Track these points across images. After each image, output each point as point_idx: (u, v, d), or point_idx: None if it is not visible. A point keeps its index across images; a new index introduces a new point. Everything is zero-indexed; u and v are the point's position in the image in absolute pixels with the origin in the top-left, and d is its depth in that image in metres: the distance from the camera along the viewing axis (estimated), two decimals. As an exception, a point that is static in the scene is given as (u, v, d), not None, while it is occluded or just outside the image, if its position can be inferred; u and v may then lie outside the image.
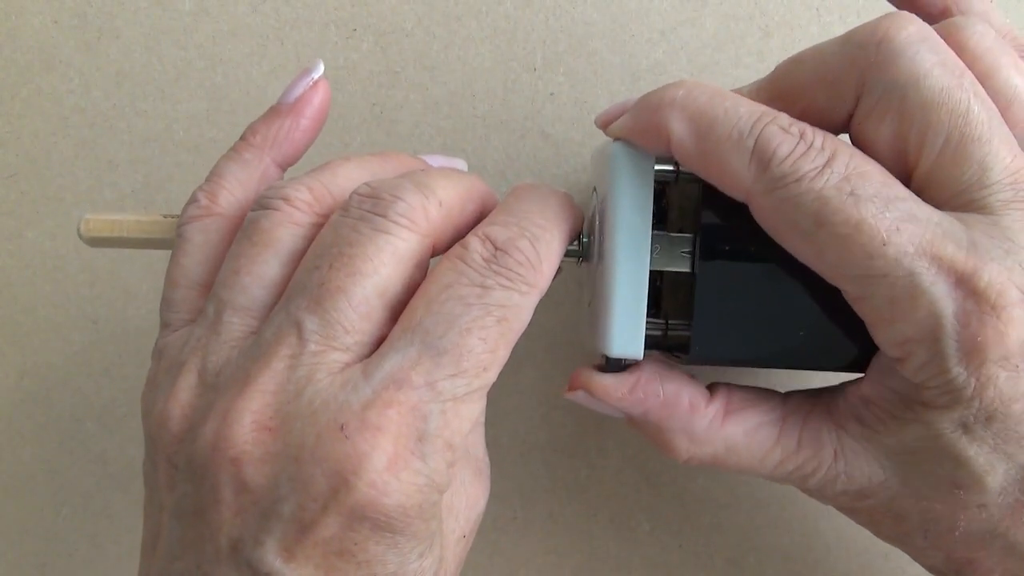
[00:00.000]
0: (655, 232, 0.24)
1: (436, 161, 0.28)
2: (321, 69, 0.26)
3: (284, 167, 0.26)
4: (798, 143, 0.21)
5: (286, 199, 0.23)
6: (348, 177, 0.24)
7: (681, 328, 0.25)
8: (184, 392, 0.21)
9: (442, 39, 0.34)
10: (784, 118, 0.22)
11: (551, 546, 0.34)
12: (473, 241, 0.22)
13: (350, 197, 0.22)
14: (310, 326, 0.20)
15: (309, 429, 0.20)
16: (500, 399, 0.34)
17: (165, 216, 0.26)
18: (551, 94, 0.34)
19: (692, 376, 0.25)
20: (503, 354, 0.21)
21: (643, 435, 0.26)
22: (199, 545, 0.20)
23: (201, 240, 0.24)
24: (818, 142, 0.21)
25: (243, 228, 0.23)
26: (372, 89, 0.34)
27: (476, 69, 0.34)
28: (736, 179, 0.22)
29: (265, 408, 0.20)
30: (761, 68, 0.33)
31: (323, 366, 0.20)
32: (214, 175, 0.25)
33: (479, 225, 0.23)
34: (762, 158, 0.21)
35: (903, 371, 0.22)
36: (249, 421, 0.20)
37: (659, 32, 0.33)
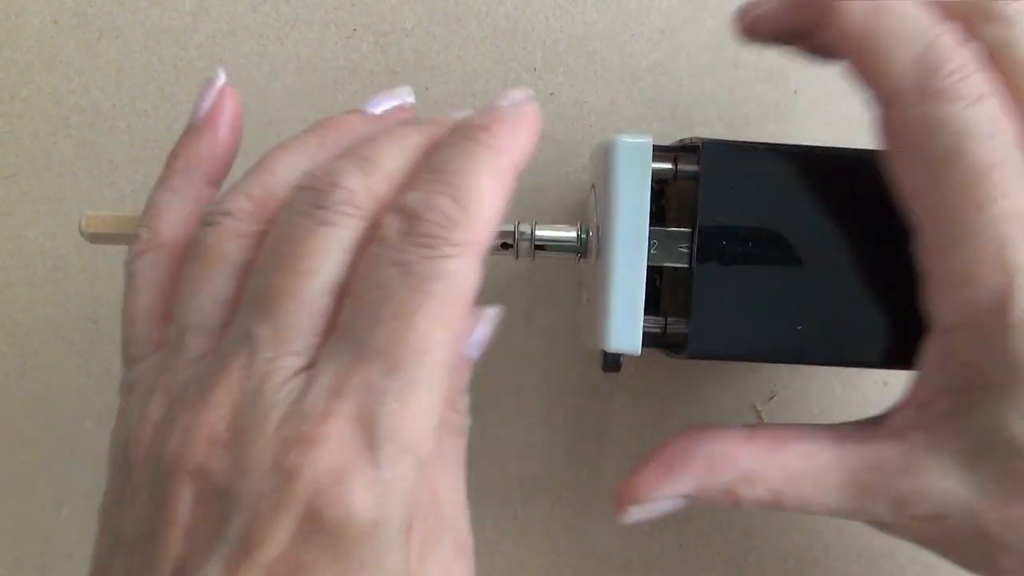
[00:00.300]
0: (653, 228, 0.24)
1: (378, 106, 0.26)
2: (223, 77, 0.25)
3: (216, 184, 0.25)
4: (966, 65, 0.20)
5: (227, 213, 0.22)
6: (287, 169, 0.23)
7: (679, 325, 0.25)
8: (153, 414, 0.21)
9: (442, 39, 0.34)
10: (960, 35, 0.21)
11: (551, 546, 0.34)
12: (387, 216, 0.20)
13: (291, 193, 0.21)
14: (261, 333, 0.20)
15: (259, 442, 0.19)
16: (500, 399, 0.34)
17: None
18: (551, 94, 0.34)
19: (723, 426, 0.25)
20: (444, 333, 0.20)
21: (713, 505, 0.25)
22: (144, 570, 0.19)
23: (150, 273, 0.23)
24: (979, 74, 0.21)
25: (191, 249, 0.22)
26: (372, 89, 0.34)
27: (476, 69, 0.34)
28: (890, 75, 0.21)
29: (219, 421, 0.19)
30: (761, 68, 0.33)
31: (275, 374, 0.20)
32: (150, 208, 0.24)
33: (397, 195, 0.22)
34: (928, 64, 0.20)
35: (960, 346, 0.21)
36: (205, 435, 0.19)
37: (659, 32, 0.33)
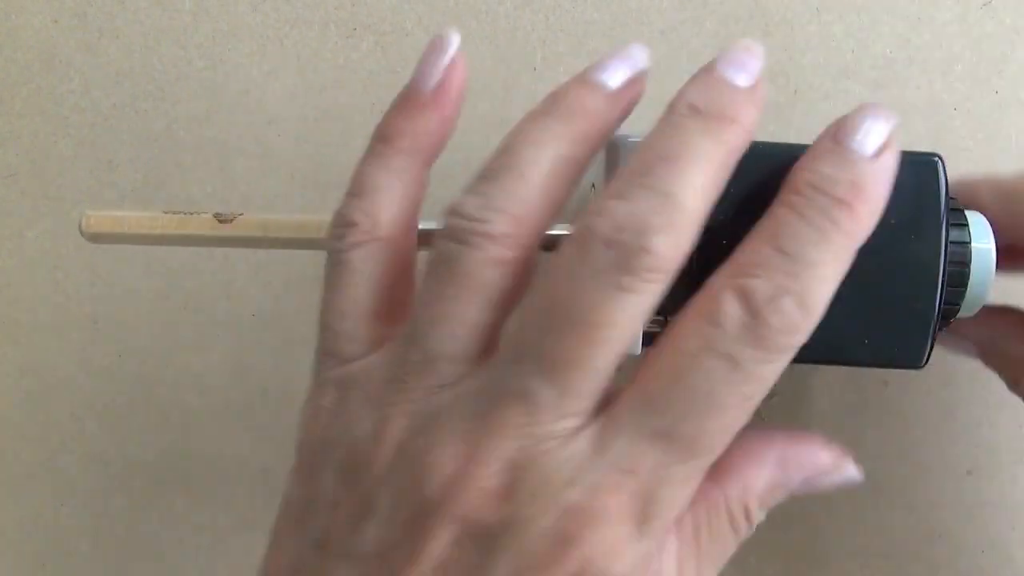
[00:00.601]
0: None
1: (614, 77, 0.22)
2: (456, 42, 0.22)
3: (429, 167, 0.23)
4: None
5: (488, 236, 0.20)
6: (540, 172, 0.20)
7: None
8: (394, 434, 0.20)
9: (442, 39, 0.34)
10: None
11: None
12: (726, 298, 0.19)
13: (587, 235, 0.19)
14: (544, 395, 0.19)
15: (534, 504, 0.19)
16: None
17: (167, 212, 0.26)
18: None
19: None
20: (734, 433, 0.19)
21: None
22: None
23: (367, 268, 0.22)
24: None
25: (440, 263, 0.20)
26: (372, 89, 0.34)
27: (476, 69, 0.34)
28: None
29: (495, 475, 0.19)
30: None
31: (554, 437, 0.19)
32: (367, 190, 0.22)
33: (733, 261, 0.19)
34: None
35: None
36: (478, 486, 0.19)
37: (659, 32, 0.33)
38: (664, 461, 0.19)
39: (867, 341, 0.23)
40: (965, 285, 0.25)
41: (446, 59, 0.22)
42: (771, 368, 0.19)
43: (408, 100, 0.22)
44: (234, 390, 0.36)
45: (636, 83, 0.22)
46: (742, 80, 0.20)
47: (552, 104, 0.21)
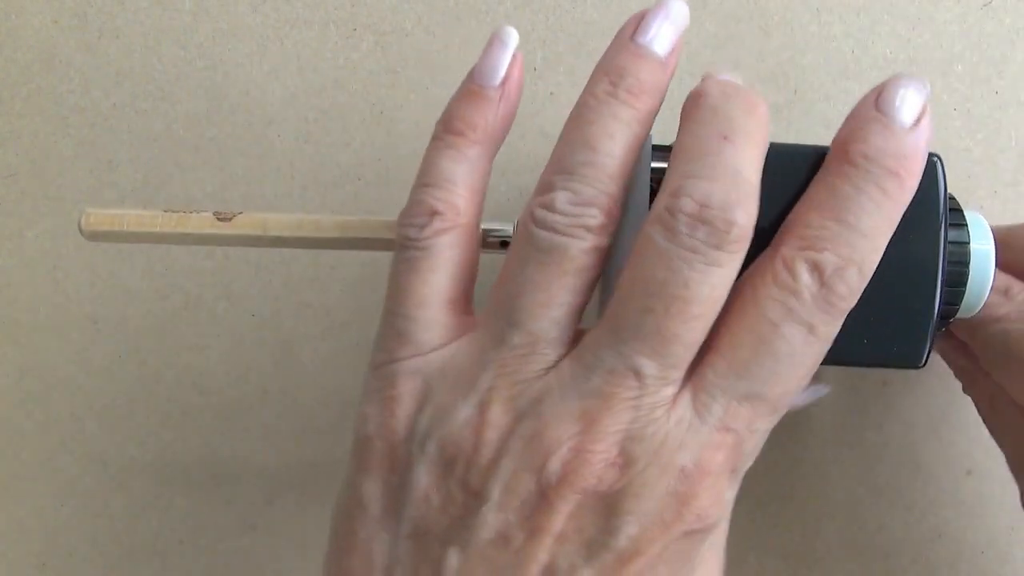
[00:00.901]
0: None
1: (664, 45, 0.23)
2: (515, 38, 0.23)
3: (494, 158, 0.24)
4: None
5: (587, 227, 0.21)
6: (616, 162, 0.21)
7: None
8: (497, 419, 0.21)
9: (442, 39, 0.34)
10: None
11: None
12: (801, 270, 0.20)
13: (673, 215, 0.20)
14: (649, 371, 0.20)
15: (652, 469, 0.21)
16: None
17: (166, 210, 0.26)
18: (551, 94, 0.34)
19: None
20: (808, 380, 0.22)
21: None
22: (497, 573, 0.21)
23: (451, 255, 0.23)
24: None
25: (538, 251, 0.21)
26: (372, 89, 0.34)
27: (476, 69, 0.34)
28: None
29: (612, 447, 0.21)
30: (761, 68, 0.33)
31: (660, 406, 0.21)
32: (444, 180, 0.23)
33: (798, 235, 0.21)
34: None
35: None
36: (600, 458, 0.20)
37: (659, 32, 0.33)
38: (753, 418, 0.21)
39: (866, 341, 0.23)
40: (964, 285, 0.25)
41: (509, 54, 0.23)
42: (835, 329, 0.21)
43: (477, 93, 0.23)
44: (234, 390, 0.36)
45: (680, 44, 0.23)
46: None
47: (615, 85, 0.22)
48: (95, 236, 0.25)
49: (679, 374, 0.21)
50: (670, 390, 0.21)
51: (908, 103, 0.21)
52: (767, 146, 0.22)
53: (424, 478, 0.21)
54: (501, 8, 0.34)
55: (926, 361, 0.24)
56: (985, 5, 0.33)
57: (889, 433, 0.34)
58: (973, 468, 0.34)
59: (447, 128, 0.23)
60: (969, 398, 0.30)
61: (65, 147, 0.35)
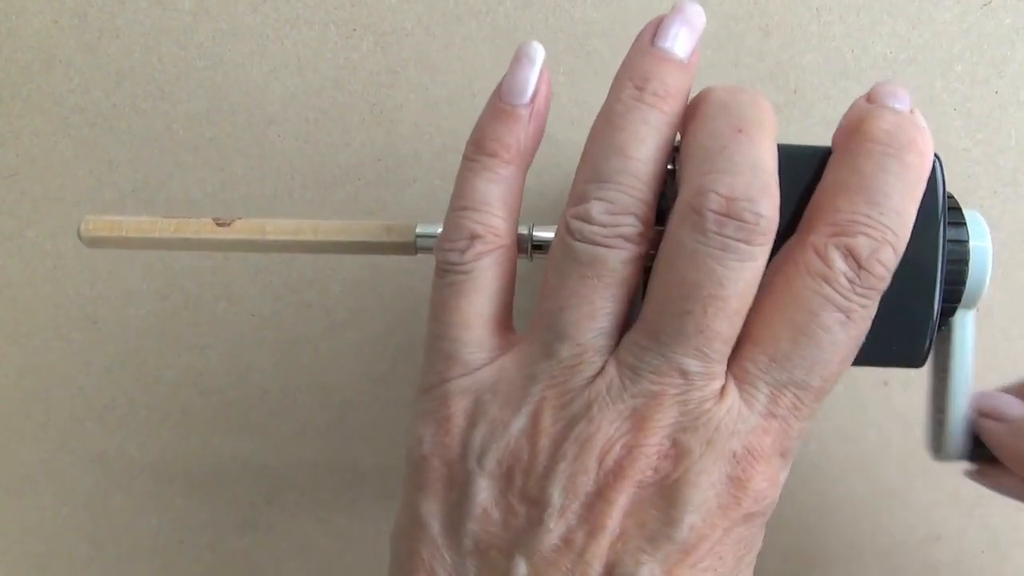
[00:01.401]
0: (657, 228, 0.24)
1: (685, 48, 0.23)
2: (542, 54, 0.23)
3: (526, 173, 0.24)
4: None
5: (625, 237, 0.21)
6: (648, 170, 0.22)
7: None
8: (549, 427, 0.21)
9: (442, 39, 0.34)
10: None
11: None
12: (836, 257, 0.21)
13: (700, 213, 0.20)
14: (693, 369, 0.21)
15: (707, 457, 0.21)
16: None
17: (165, 217, 0.26)
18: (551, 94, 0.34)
19: None
20: (849, 364, 0.22)
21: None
22: (562, 574, 0.21)
23: (491, 276, 0.23)
24: None
25: (579, 263, 0.21)
26: (372, 89, 0.34)
27: (476, 69, 0.34)
28: None
29: (664, 440, 0.21)
30: (761, 68, 0.33)
31: (708, 399, 0.21)
32: (483, 204, 0.23)
33: (829, 222, 0.21)
34: None
35: None
36: (654, 451, 0.21)
37: (659, 32, 0.33)
38: (798, 404, 0.21)
39: (867, 340, 0.23)
40: (963, 283, 0.25)
41: (537, 69, 0.23)
42: (872, 311, 0.21)
43: (507, 112, 0.23)
44: (234, 390, 0.36)
45: (698, 46, 0.23)
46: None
47: (641, 90, 0.22)
48: (94, 242, 0.26)
49: (722, 368, 0.21)
50: (716, 384, 0.21)
51: (899, 97, 0.22)
52: (776, 132, 0.22)
53: (483, 492, 0.22)
54: (501, 8, 0.34)
55: (926, 360, 0.24)
56: (985, 5, 0.33)
57: (889, 433, 0.34)
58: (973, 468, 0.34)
59: (480, 149, 0.23)
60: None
61: (65, 147, 0.35)
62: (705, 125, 0.21)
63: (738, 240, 0.20)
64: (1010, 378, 0.29)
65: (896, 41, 0.33)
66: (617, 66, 0.23)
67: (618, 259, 0.21)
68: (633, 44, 0.23)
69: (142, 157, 0.35)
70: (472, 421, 0.22)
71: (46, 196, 0.35)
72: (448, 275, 0.23)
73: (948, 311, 0.25)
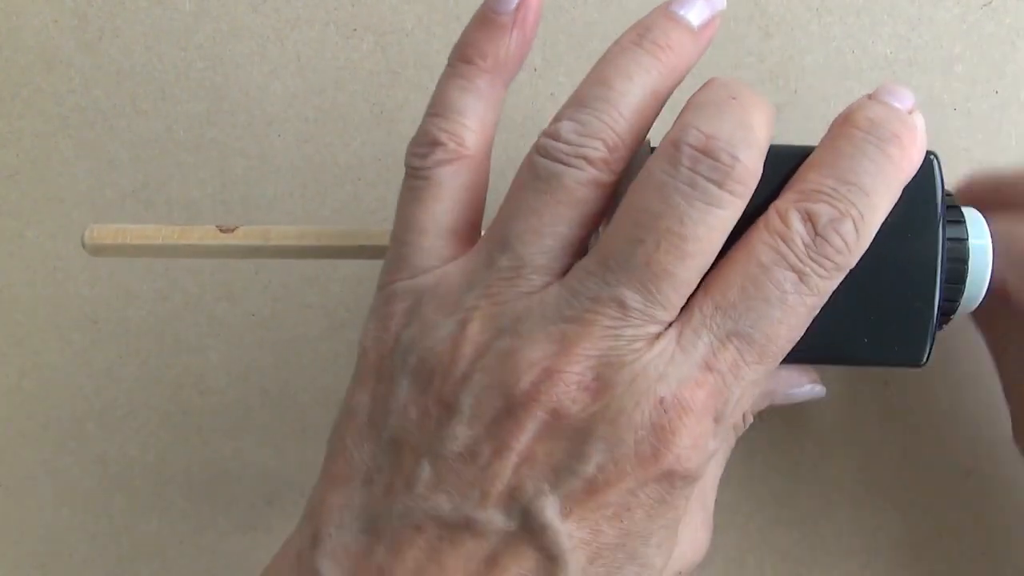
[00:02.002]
0: None
1: (698, 16, 0.23)
2: None
3: (508, 87, 0.24)
4: None
5: (587, 159, 0.21)
6: (630, 106, 0.21)
7: None
8: (475, 336, 0.21)
9: (442, 39, 0.34)
10: None
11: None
12: (794, 218, 0.21)
13: (677, 147, 0.20)
14: (633, 304, 0.20)
15: (628, 396, 0.20)
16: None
17: (168, 224, 0.26)
18: (551, 94, 0.34)
19: None
20: (792, 343, 0.21)
21: None
22: (462, 489, 0.21)
23: (452, 186, 0.23)
24: None
25: (536, 179, 0.21)
26: (372, 89, 0.34)
27: (476, 69, 0.34)
28: None
29: (587, 371, 0.20)
30: (761, 68, 0.33)
31: (642, 338, 0.20)
32: (452, 111, 0.23)
33: (796, 189, 0.21)
34: None
35: None
36: (574, 380, 0.20)
37: (659, 32, 0.33)
38: (739, 361, 0.21)
39: (867, 340, 0.23)
40: (963, 282, 0.25)
41: None
42: (829, 284, 0.21)
43: (490, 20, 0.23)
44: (234, 390, 0.36)
45: (714, 23, 0.23)
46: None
47: (641, 37, 0.22)
48: (99, 251, 0.26)
49: (667, 316, 0.21)
50: (654, 328, 0.21)
51: (901, 95, 0.22)
52: (772, 127, 0.22)
53: (404, 390, 0.22)
54: (501, 8, 0.33)
55: (927, 359, 0.24)
56: (985, 5, 0.33)
57: (889, 433, 0.34)
58: (973, 468, 0.34)
59: (458, 56, 0.23)
60: (968, 398, 0.30)
61: (65, 147, 0.35)
62: (702, 90, 0.22)
63: (709, 180, 0.20)
64: (1010, 378, 0.29)
65: (896, 41, 0.33)
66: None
67: (574, 178, 0.21)
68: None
69: (142, 157, 0.35)
70: (407, 320, 0.22)
71: (46, 196, 0.35)
72: (410, 180, 0.23)
73: (949, 310, 0.25)
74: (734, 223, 0.21)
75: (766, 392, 0.25)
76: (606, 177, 0.21)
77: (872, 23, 0.33)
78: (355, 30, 0.34)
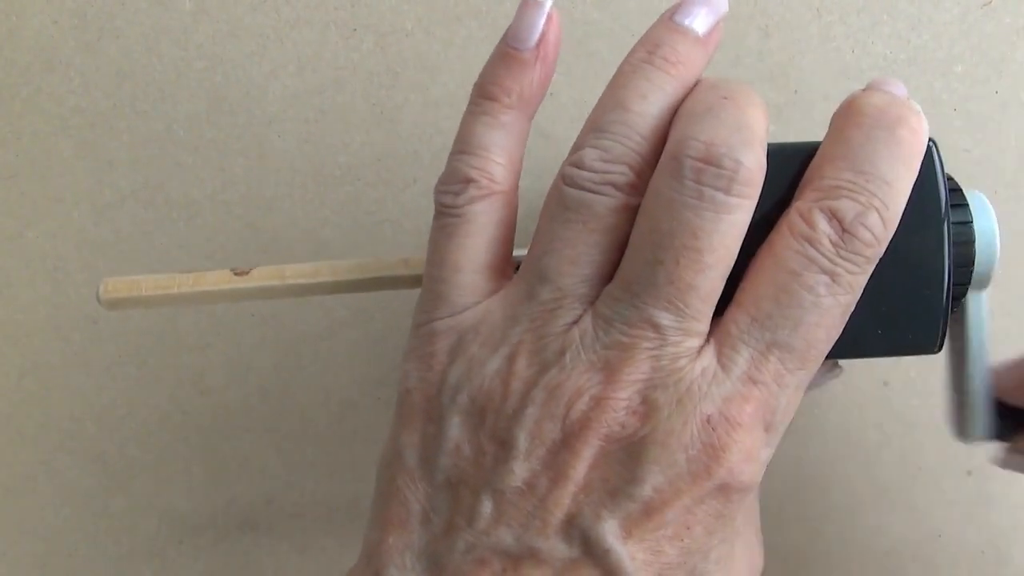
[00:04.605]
0: None
1: (704, 24, 0.23)
2: None
3: (532, 119, 0.24)
4: None
5: (616, 185, 0.21)
6: (650, 125, 0.21)
7: None
8: (523, 371, 0.21)
9: (442, 39, 0.34)
10: None
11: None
12: (819, 219, 0.20)
13: (678, 160, 0.20)
14: (665, 323, 0.21)
15: (676, 417, 0.20)
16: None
17: (182, 272, 0.26)
18: (551, 94, 0.34)
19: None
20: (837, 335, 0.21)
21: None
22: (523, 521, 0.21)
23: (485, 221, 0.23)
24: None
25: (566, 209, 0.21)
26: (372, 89, 0.34)
27: (476, 69, 0.34)
28: None
29: (634, 395, 0.21)
30: (761, 68, 0.33)
31: (683, 355, 0.21)
32: (479, 148, 0.23)
33: (813, 187, 0.21)
34: None
35: None
36: (622, 406, 0.21)
37: (659, 32, 0.33)
38: (782, 370, 0.21)
39: (880, 331, 0.23)
40: (972, 264, 0.25)
41: (544, 12, 0.23)
42: (861, 279, 0.21)
43: (511, 57, 0.23)
44: (234, 390, 0.36)
45: (719, 28, 0.23)
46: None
47: (651, 54, 0.22)
48: (114, 305, 0.25)
49: (701, 327, 0.21)
50: (693, 342, 0.21)
51: (896, 85, 0.23)
52: (767, 119, 0.22)
53: (456, 429, 0.22)
54: (501, 8, 0.34)
55: (941, 345, 0.24)
56: (985, 5, 0.33)
57: (889, 433, 0.34)
58: (973, 468, 0.34)
59: (481, 93, 0.23)
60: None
61: (65, 147, 0.35)
62: (693, 95, 0.22)
63: (715, 188, 0.20)
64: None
65: (896, 41, 0.33)
66: (617, 66, 0.23)
67: (604, 206, 0.21)
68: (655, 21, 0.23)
69: (142, 157, 0.35)
70: (452, 359, 0.22)
71: (46, 196, 0.35)
72: (442, 218, 0.23)
73: (959, 293, 0.25)
74: (748, 223, 0.21)
75: None
76: (635, 200, 0.21)
77: (872, 23, 0.33)
78: (355, 30, 0.34)
